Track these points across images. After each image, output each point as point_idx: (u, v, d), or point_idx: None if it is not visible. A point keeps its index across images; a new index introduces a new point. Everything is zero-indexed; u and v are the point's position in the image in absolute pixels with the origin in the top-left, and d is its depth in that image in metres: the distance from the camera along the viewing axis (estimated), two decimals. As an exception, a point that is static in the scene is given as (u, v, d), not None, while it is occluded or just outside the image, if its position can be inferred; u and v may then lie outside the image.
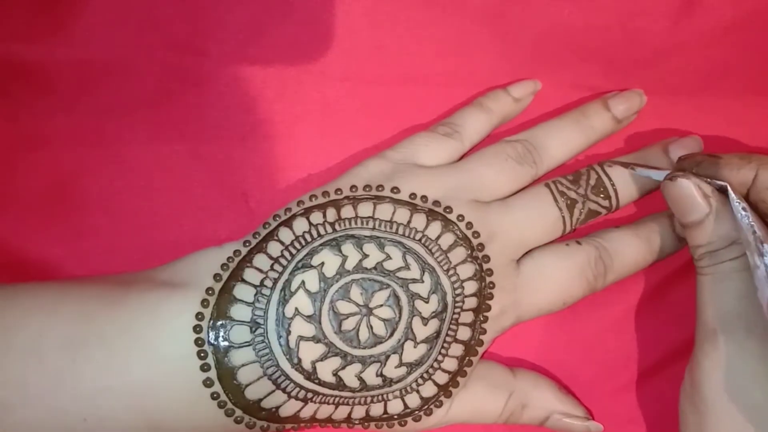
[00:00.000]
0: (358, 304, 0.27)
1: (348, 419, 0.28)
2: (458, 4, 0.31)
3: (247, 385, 0.26)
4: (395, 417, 0.28)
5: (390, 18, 0.31)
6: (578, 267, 0.30)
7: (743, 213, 0.26)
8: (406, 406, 0.28)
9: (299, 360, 0.26)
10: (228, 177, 0.31)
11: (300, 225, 0.28)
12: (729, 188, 0.26)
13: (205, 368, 0.26)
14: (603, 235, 0.31)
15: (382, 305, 0.27)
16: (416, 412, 0.28)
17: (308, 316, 0.26)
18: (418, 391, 0.28)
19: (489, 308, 0.28)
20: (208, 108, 0.31)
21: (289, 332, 0.26)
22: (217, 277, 0.27)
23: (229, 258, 0.27)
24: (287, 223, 0.28)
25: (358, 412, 0.28)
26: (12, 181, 0.31)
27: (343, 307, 0.27)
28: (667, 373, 0.32)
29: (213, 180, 0.32)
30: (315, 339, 0.26)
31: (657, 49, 0.32)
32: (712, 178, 0.27)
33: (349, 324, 0.27)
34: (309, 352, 0.26)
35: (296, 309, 0.26)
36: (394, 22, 0.31)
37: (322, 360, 0.26)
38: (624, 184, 0.30)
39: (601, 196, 0.30)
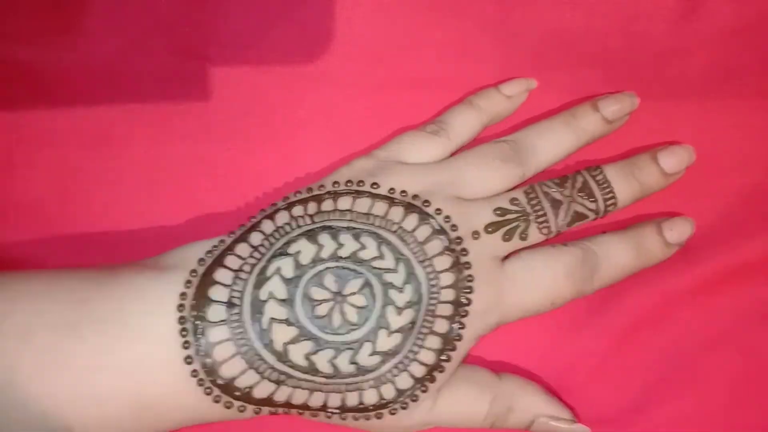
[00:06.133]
0: (331, 291, 0.28)
1: (324, 407, 0.28)
2: (459, 9, 0.32)
3: (222, 363, 0.27)
4: (371, 408, 0.28)
5: (391, 23, 0.32)
6: (565, 268, 0.30)
7: None
8: (381, 396, 0.28)
9: (271, 341, 0.27)
10: (229, 180, 0.32)
11: (281, 217, 0.29)
12: None
13: (185, 345, 0.27)
14: (591, 239, 0.31)
15: (355, 293, 0.28)
16: (392, 404, 0.28)
17: (282, 300, 0.28)
18: (393, 382, 0.28)
19: (469, 302, 0.28)
20: (211, 111, 0.32)
21: (262, 313, 0.27)
22: (201, 261, 0.28)
23: (214, 246, 0.29)
24: (270, 216, 0.29)
25: (334, 400, 0.28)
26: (12, 181, 0.32)
27: (317, 293, 0.28)
28: (654, 379, 0.31)
29: (215, 183, 0.32)
30: (287, 322, 0.27)
31: (658, 52, 0.32)
32: None
33: (322, 309, 0.28)
34: (281, 334, 0.27)
35: (270, 293, 0.28)
36: (395, 28, 0.32)
37: (294, 342, 0.27)
38: (611, 189, 0.30)
39: (588, 199, 0.30)
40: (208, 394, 0.27)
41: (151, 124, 0.32)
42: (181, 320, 0.27)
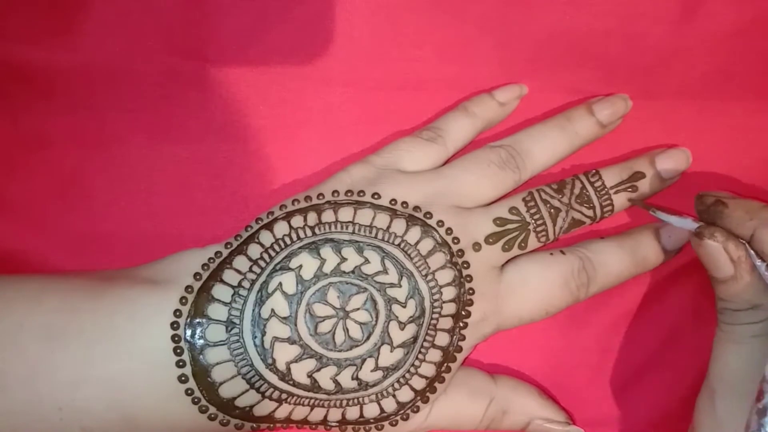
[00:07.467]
0: (334, 307, 0.27)
1: (324, 421, 0.28)
2: (459, 10, 0.31)
3: (221, 383, 0.26)
4: (371, 420, 0.28)
5: (391, 24, 0.31)
6: (561, 276, 0.30)
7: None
8: (382, 410, 0.28)
9: (274, 360, 0.27)
10: (229, 181, 0.32)
11: (280, 228, 0.28)
12: (748, 247, 0.26)
13: (180, 364, 0.26)
14: (587, 245, 0.31)
15: (358, 309, 0.27)
16: (393, 416, 0.28)
17: (284, 318, 0.27)
18: (394, 396, 0.28)
19: (469, 314, 0.28)
20: (210, 112, 0.32)
21: (264, 333, 0.27)
22: (197, 276, 0.27)
23: (210, 258, 0.28)
24: (268, 226, 0.28)
25: (334, 414, 0.28)
26: (12, 182, 0.31)
27: (320, 309, 0.27)
28: (652, 381, 0.32)
29: (214, 183, 0.32)
30: (290, 340, 0.27)
31: (659, 53, 0.32)
32: (713, 224, 0.27)
33: (325, 326, 0.27)
34: (284, 353, 0.27)
35: (272, 310, 0.27)
36: (395, 29, 0.32)
37: (296, 361, 0.27)
38: (608, 195, 0.30)
39: (585, 205, 0.30)
40: (203, 412, 0.27)
41: (151, 124, 0.32)
42: (176, 338, 0.26)
